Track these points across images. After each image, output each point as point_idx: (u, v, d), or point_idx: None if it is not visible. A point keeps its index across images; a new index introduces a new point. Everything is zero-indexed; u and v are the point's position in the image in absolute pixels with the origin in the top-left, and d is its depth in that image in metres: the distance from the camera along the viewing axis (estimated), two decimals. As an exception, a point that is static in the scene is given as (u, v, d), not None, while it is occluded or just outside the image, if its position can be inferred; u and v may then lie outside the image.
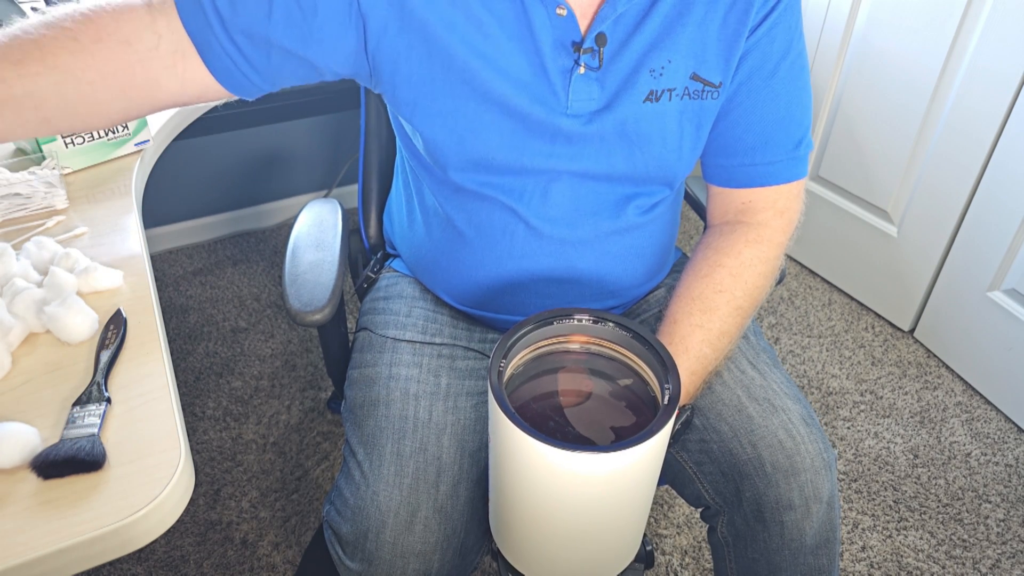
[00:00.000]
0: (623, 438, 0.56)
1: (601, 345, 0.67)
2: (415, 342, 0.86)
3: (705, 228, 0.89)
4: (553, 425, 0.63)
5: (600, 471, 0.56)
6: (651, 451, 0.57)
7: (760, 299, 0.83)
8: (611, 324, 0.65)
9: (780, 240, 0.84)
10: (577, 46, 0.72)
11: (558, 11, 0.70)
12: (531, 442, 0.54)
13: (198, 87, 0.70)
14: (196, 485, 1.41)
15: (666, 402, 0.58)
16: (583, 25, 0.72)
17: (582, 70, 0.72)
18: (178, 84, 0.69)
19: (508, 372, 0.63)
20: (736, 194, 0.83)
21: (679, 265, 0.98)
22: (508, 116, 0.74)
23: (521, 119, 0.74)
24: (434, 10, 0.70)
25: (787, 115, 0.79)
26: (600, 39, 0.71)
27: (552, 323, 0.65)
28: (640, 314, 0.92)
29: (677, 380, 0.60)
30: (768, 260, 0.83)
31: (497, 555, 0.76)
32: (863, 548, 1.35)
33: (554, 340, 0.67)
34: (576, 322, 0.66)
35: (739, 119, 0.79)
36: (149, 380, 0.63)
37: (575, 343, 0.67)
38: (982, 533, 1.38)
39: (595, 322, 0.65)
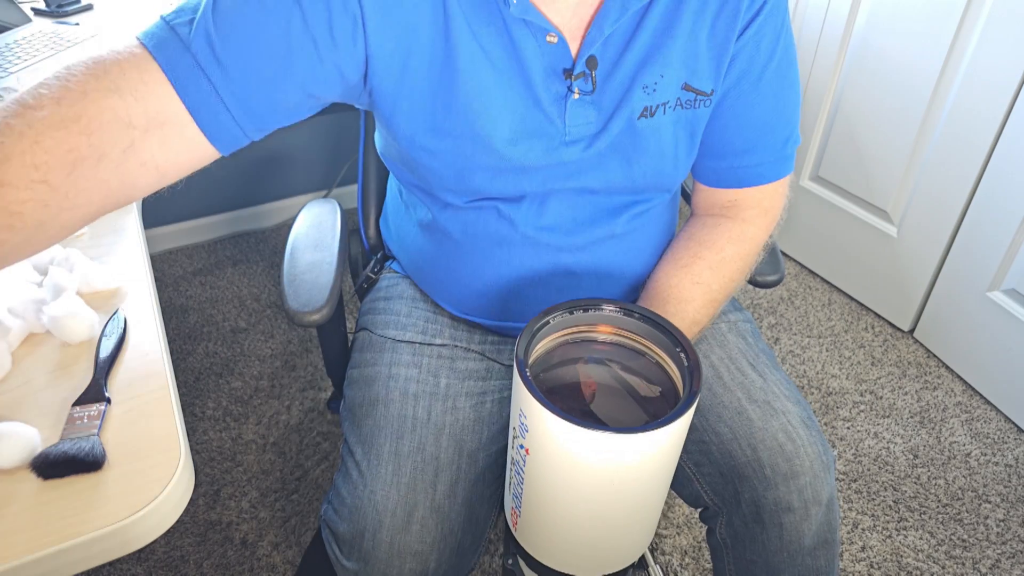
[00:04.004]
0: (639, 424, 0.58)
1: (622, 335, 0.68)
2: (415, 343, 0.86)
3: (690, 216, 0.90)
4: (576, 409, 0.65)
5: (626, 452, 0.57)
6: (672, 434, 0.59)
7: (733, 292, 0.85)
8: (637, 315, 0.66)
9: (762, 238, 0.85)
10: (568, 72, 0.70)
11: (548, 39, 0.69)
12: (568, 425, 0.56)
13: (182, 162, 0.63)
14: (196, 485, 1.41)
15: (689, 387, 0.60)
16: (573, 49, 0.71)
17: (576, 95, 0.71)
18: (156, 175, 0.62)
19: (531, 357, 0.64)
20: (723, 193, 0.84)
21: None
22: (505, 158, 0.73)
23: (518, 160, 0.73)
24: (433, 62, 0.68)
25: (775, 117, 0.79)
26: (591, 62, 0.70)
27: (575, 312, 0.66)
28: None
29: (698, 366, 0.61)
30: (747, 256, 0.84)
31: (515, 565, 0.76)
32: (863, 548, 1.35)
33: (577, 329, 0.68)
34: (602, 312, 0.67)
35: (728, 123, 0.79)
36: (149, 380, 0.63)
37: (599, 333, 0.68)
38: (982, 533, 1.38)
39: (623, 313, 0.67)
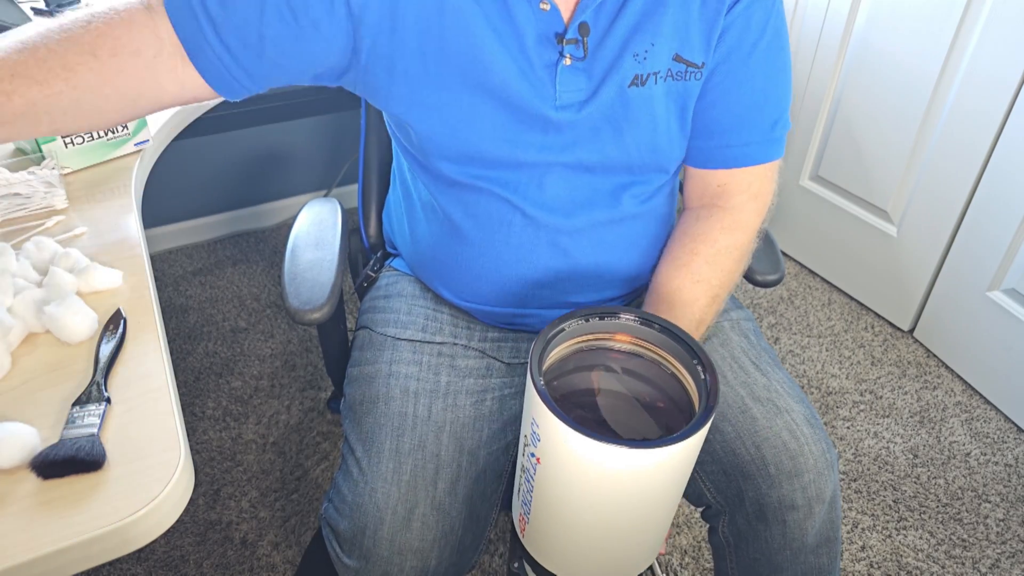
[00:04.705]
0: (657, 436, 0.57)
1: (638, 345, 0.68)
2: (415, 340, 0.86)
3: (682, 211, 0.90)
4: (588, 418, 0.64)
5: (641, 466, 0.57)
6: (688, 449, 0.59)
7: (733, 284, 0.85)
8: (656, 326, 0.66)
9: (754, 225, 0.85)
10: (560, 37, 0.72)
11: (542, 6, 0.71)
12: (582, 438, 0.56)
13: (194, 90, 0.71)
14: (196, 485, 1.41)
15: (706, 402, 0.60)
16: (565, 16, 0.72)
17: (568, 61, 0.73)
18: (178, 87, 0.70)
19: (545, 364, 0.64)
20: (712, 176, 0.84)
21: None
22: (501, 107, 0.74)
23: (513, 110, 0.74)
24: (424, 8, 0.70)
25: (764, 96, 0.79)
26: (583, 29, 0.72)
27: (590, 320, 0.66)
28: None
29: (715, 381, 0.61)
30: (742, 246, 0.84)
31: (520, 570, 0.76)
32: (863, 548, 1.35)
33: (593, 337, 0.68)
34: (619, 320, 0.66)
35: (716, 100, 0.79)
36: (149, 380, 0.63)
37: (615, 342, 0.68)
38: (981, 533, 1.38)
39: (640, 323, 0.66)
